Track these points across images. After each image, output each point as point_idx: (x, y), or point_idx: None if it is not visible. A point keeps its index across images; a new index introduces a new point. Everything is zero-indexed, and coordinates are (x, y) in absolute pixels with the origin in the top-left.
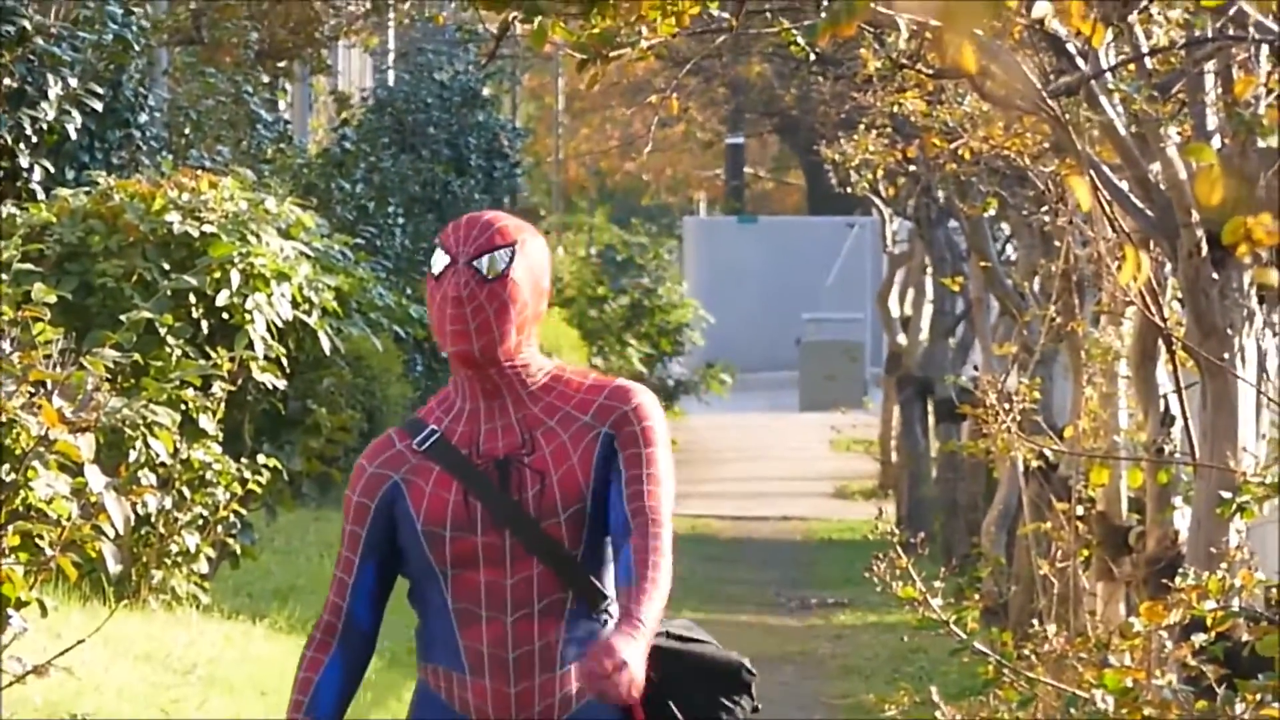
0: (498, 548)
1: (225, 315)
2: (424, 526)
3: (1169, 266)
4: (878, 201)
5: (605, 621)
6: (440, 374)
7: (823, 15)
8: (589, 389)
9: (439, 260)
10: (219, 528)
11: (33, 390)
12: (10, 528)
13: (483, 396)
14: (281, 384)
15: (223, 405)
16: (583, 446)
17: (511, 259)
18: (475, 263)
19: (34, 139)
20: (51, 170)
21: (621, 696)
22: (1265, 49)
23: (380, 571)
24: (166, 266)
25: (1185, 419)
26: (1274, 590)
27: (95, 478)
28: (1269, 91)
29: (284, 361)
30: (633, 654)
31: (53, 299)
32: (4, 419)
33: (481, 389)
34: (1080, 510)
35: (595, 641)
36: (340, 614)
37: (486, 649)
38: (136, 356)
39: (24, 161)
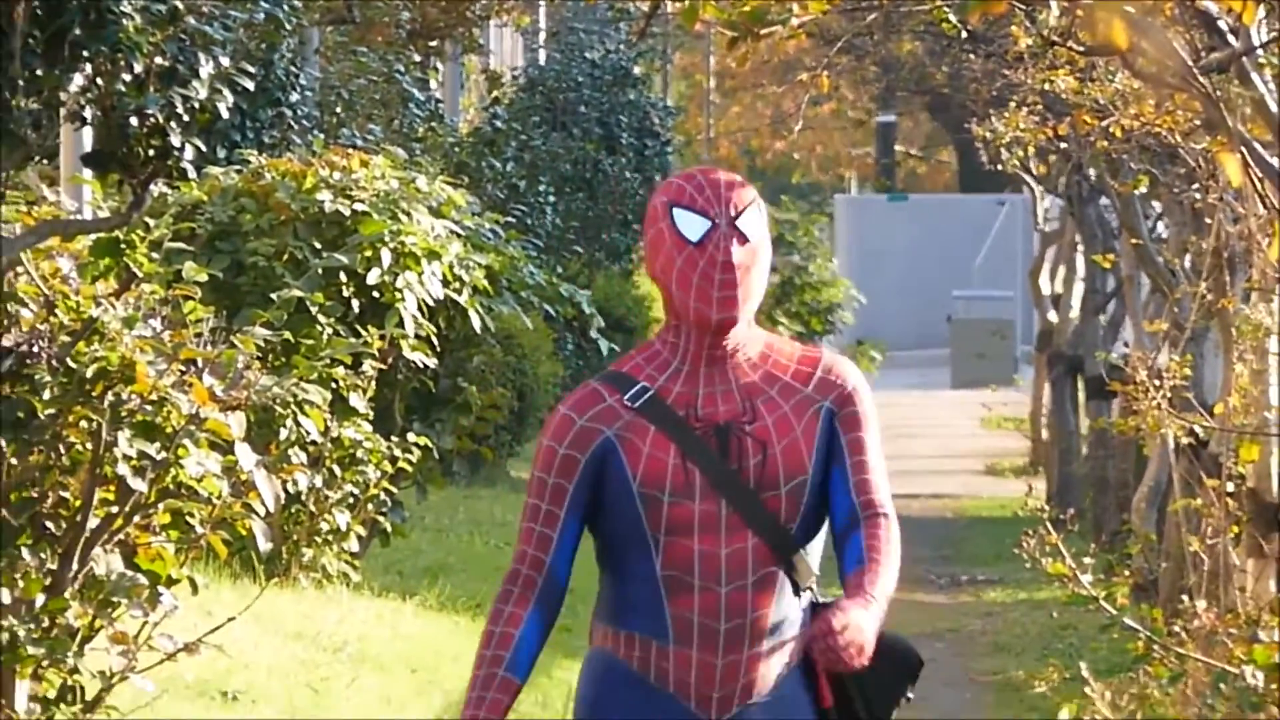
0: (714, 516)
1: (376, 294)
2: (640, 489)
3: None
4: (1028, 179)
5: (811, 602)
6: (589, 352)
7: None
8: (803, 359)
9: (695, 223)
10: (369, 506)
11: (184, 369)
12: (161, 505)
13: (705, 360)
14: (432, 362)
15: (373, 383)
16: (805, 419)
17: (761, 217)
18: (739, 224)
19: (185, 118)
20: (203, 149)
21: (849, 660)
22: None
23: (580, 528)
24: (318, 245)
25: None
26: None
27: (246, 456)
28: None
29: (434, 340)
30: (865, 621)
31: (204, 278)
32: (155, 397)
33: (709, 353)
34: (1230, 486)
35: (823, 608)
36: (541, 568)
37: (697, 619)
38: (287, 335)
39: (175, 140)
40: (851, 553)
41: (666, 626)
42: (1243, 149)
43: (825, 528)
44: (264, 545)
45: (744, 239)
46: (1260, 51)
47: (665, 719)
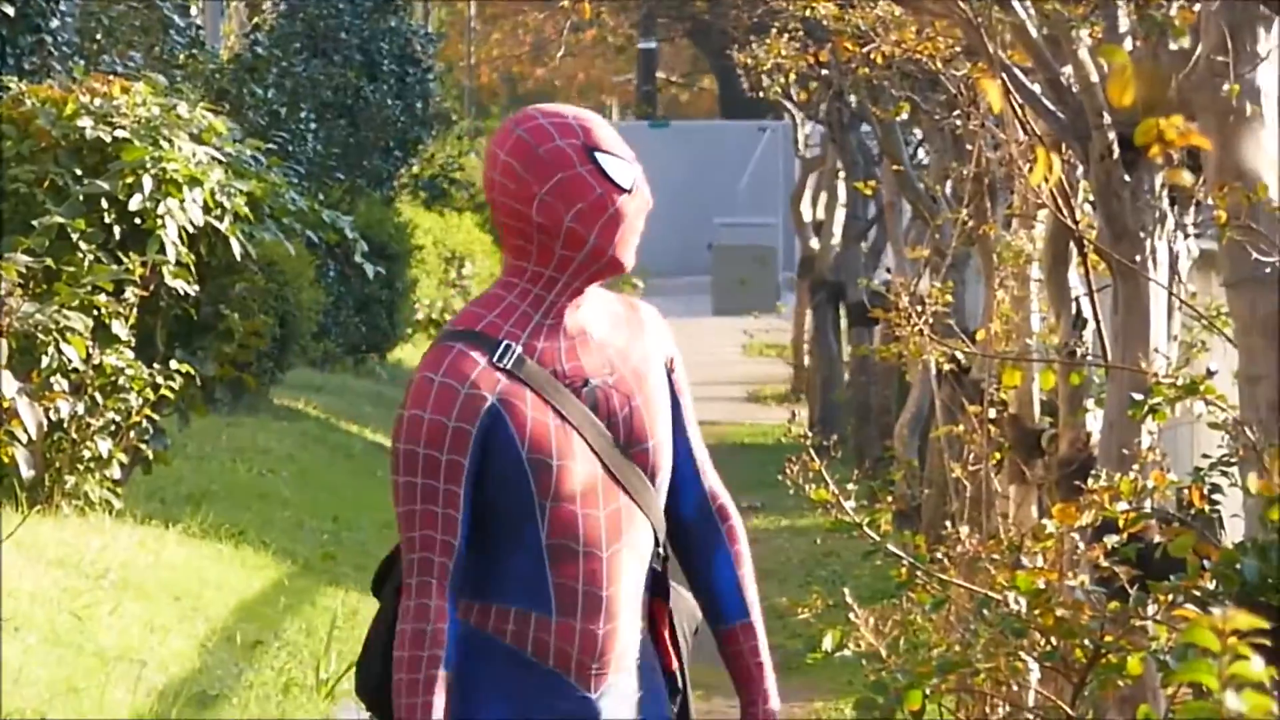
0: (594, 477)
1: (138, 220)
2: (529, 455)
3: (1081, 169)
4: (790, 106)
5: (664, 559)
6: (353, 279)
7: None
8: (629, 305)
9: (626, 170)
10: (132, 433)
11: None
12: None
13: (568, 310)
14: (194, 289)
15: (135, 311)
16: (654, 372)
17: None
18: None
19: None
20: None
21: None
22: None
23: (471, 502)
24: (79, 172)
25: (1097, 321)
26: (1186, 491)
27: (8, 383)
28: None
29: (196, 267)
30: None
31: None
32: None
33: (574, 302)
34: (992, 413)
35: (767, 709)
36: (452, 554)
37: (582, 586)
38: (49, 262)
39: None
40: (723, 559)
41: (549, 597)
42: (1003, 75)
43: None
44: (26, 472)
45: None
46: None
47: (544, 696)
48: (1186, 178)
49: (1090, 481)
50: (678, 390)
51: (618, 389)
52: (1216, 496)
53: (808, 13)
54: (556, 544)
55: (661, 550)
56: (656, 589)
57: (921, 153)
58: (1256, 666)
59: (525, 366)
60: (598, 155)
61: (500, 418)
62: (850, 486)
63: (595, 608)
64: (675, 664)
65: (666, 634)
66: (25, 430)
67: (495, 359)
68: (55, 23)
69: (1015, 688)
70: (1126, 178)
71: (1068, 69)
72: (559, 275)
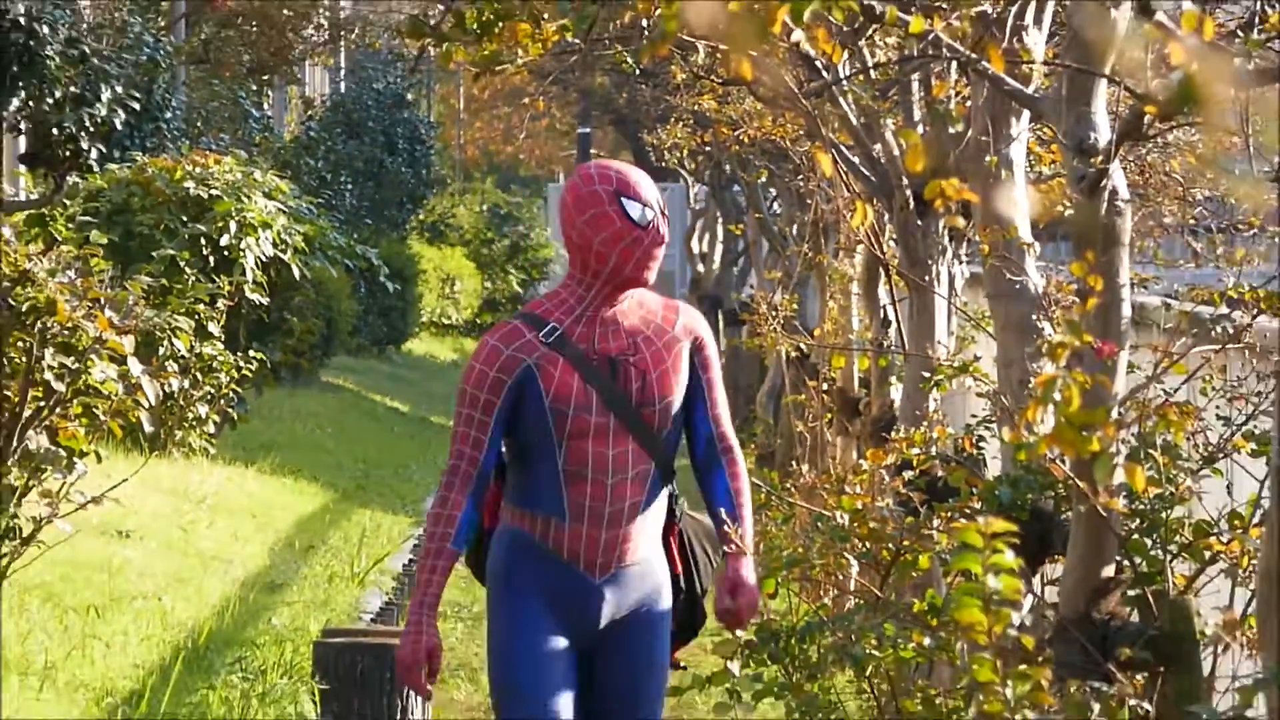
0: (605, 425)
1: (226, 253)
2: (551, 404)
3: (887, 216)
4: (683, 173)
5: (674, 492)
6: (378, 294)
7: (644, 41)
8: (667, 308)
9: (639, 210)
10: (222, 401)
11: (91, 305)
12: (75, 401)
13: (603, 306)
14: (265, 300)
15: (224, 315)
16: (673, 354)
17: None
18: (664, 211)
19: (91, 130)
20: (104, 151)
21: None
22: (954, 64)
23: (502, 433)
24: (184, 219)
25: (898, 322)
26: (960, 441)
27: (135, 366)
28: (956, 93)
29: (267, 285)
30: (753, 582)
31: (104, 241)
32: (71, 325)
33: (607, 302)
34: (825, 386)
35: (742, 581)
36: (476, 464)
37: (589, 503)
38: (164, 281)
39: (85, 145)
40: (719, 487)
41: (564, 509)
42: (832, 150)
43: (683, 438)
44: (148, 429)
45: (666, 221)
46: (844, 82)
47: (561, 578)
48: (961, 222)
49: (893, 434)
50: (702, 363)
51: (636, 365)
52: (981, 445)
53: (696, 107)
54: (571, 470)
55: (670, 486)
56: (668, 514)
57: (776, 205)
58: (1009, 558)
59: (562, 342)
60: (623, 199)
61: (533, 375)
62: None
63: (599, 519)
64: (680, 569)
65: (675, 549)
66: (147, 399)
67: (541, 334)
68: (169, 114)
69: (841, 578)
70: (919, 222)
71: (878, 146)
72: (594, 282)
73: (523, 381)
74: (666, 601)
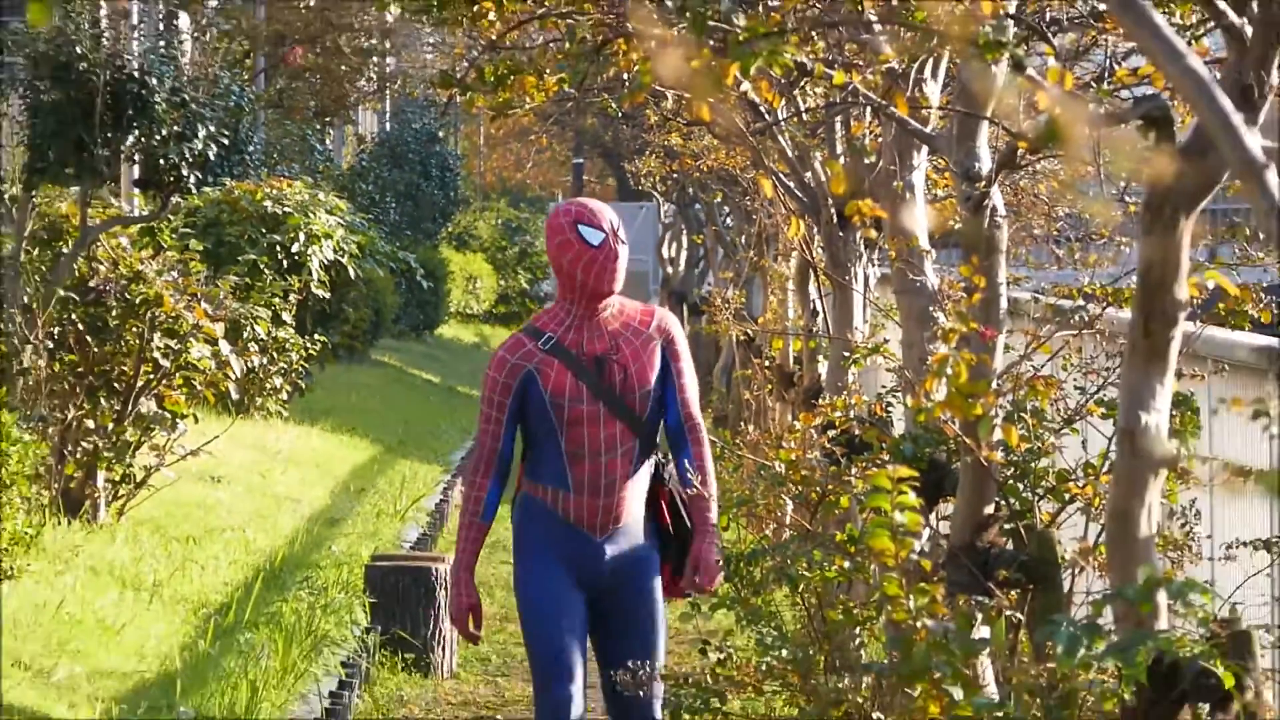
0: (596, 413)
1: (296, 257)
2: (551, 398)
3: (816, 229)
4: (656, 194)
5: (661, 460)
6: (416, 290)
7: (625, 91)
8: (643, 312)
9: (594, 234)
10: (293, 374)
11: (190, 298)
12: (178, 374)
13: (587, 316)
14: (327, 295)
15: (295, 307)
16: (649, 351)
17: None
18: (619, 233)
19: (190, 160)
20: (200, 178)
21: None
22: (869, 109)
23: (515, 424)
24: (264, 230)
25: (825, 313)
26: (872, 406)
27: (224, 347)
28: (870, 132)
29: (329, 283)
30: (715, 555)
31: (200, 248)
32: (174, 314)
33: (589, 311)
34: (767, 363)
35: (705, 560)
36: (496, 450)
37: (588, 477)
38: (247, 280)
39: (185, 173)
40: (686, 456)
41: (568, 481)
42: (773, 176)
43: (662, 420)
44: (235, 396)
45: (621, 242)
46: (782, 123)
47: (569, 537)
48: (873, 234)
49: (820, 401)
50: (673, 356)
51: (619, 361)
52: (889, 409)
53: (666, 142)
54: (572, 451)
55: (660, 455)
56: (657, 479)
57: (729, 219)
58: (911, 498)
59: (557, 347)
60: (580, 226)
61: (534, 377)
62: None
63: (597, 489)
64: (668, 522)
65: (665, 507)
66: (234, 372)
67: (540, 343)
68: (251, 148)
69: (779, 514)
70: (841, 233)
71: (809, 173)
72: (575, 297)
73: (526, 382)
74: (653, 549)
